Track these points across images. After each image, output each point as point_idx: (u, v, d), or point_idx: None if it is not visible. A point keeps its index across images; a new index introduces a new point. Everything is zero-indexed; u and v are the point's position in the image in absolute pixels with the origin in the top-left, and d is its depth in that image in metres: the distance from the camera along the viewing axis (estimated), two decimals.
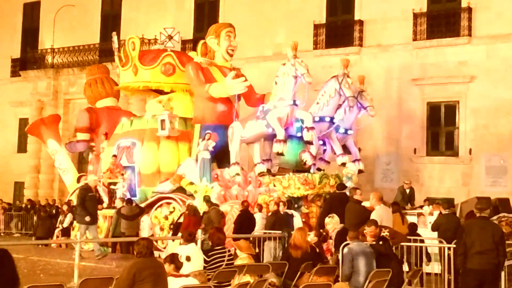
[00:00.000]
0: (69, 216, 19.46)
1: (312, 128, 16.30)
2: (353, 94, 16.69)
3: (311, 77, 16.14)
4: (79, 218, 16.34)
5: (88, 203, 16.08)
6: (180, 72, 19.29)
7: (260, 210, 15.83)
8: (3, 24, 33.13)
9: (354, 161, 17.50)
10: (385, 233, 10.87)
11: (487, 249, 8.78)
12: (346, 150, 17.70)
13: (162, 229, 17.62)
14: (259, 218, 15.26)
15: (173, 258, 8.14)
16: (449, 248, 11.32)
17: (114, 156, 19.13)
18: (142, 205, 18.43)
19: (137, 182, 18.91)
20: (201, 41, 19.80)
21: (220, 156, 18.25)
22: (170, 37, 20.10)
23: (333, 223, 11.89)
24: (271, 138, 17.15)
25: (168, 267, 7.89)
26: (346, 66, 17.07)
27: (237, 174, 17.48)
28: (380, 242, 10.22)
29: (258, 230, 14.76)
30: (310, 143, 16.54)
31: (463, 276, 9.31)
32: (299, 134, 16.93)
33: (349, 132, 17.50)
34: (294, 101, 16.55)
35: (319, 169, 17.42)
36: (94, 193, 16.32)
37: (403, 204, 17.77)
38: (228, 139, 17.78)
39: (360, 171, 17.60)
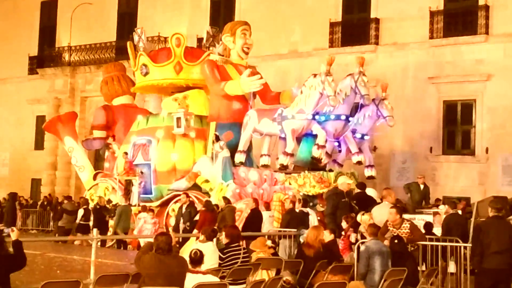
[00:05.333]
0: (80, 212, 19.60)
1: (323, 147, 16.37)
2: (368, 92, 16.63)
3: (337, 101, 16.07)
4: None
5: (341, 211, 13.75)
6: None
7: (267, 209, 15.86)
8: (20, 22, 33.38)
9: (367, 167, 17.40)
10: (406, 224, 10.89)
11: (504, 249, 8.76)
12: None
13: None
14: (266, 217, 15.33)
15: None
16: (465, 248, 11.27)
17: (125, 153, 19.22)
18: (158, 202, 18.54)
19: (152, 179, 18.99)
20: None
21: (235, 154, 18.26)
22: (213, 37, 20.24)
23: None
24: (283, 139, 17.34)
25: None
26: (361, 64, 17.01)
27: (241, 162, 17.54)
28: (396, 241, 10.23)
29: (266, 228, 14.81)
30: (317, 160, 16.52)
31: (478, 276, 9.28)
32: (314, 132, 16.91)
33: (365, 137, 17.42)
34: (314, 115, 16.51)
35: (331, 170, 17.42)
36: (346, 198, 14.08)
37: (415, 201, 17.76)
38: (242, 126, 17.86)
39: (371, 177, 17.49)
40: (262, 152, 17.86)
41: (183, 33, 20.05)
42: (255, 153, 19.22)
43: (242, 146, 17.80)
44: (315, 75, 16.42)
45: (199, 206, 16.84)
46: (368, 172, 17.32)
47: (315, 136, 16.96)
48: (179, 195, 17.94)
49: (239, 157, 17.70)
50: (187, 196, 17.00)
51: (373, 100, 16.93)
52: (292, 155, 16.75)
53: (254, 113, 17.81)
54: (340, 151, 17.78)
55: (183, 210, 16.62)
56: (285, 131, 16.87)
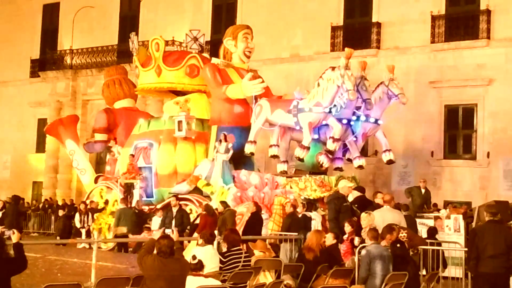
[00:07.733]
0: (77, 217, 19.74)
1: (338, 140, 16.16)
2: (370, 97, 16.60)
3: (356, 95, 15.75)
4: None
5: (344, 215, 13.36)
6: None
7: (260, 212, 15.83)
8: (22, 25, 33.45)
9: (384, 151, 17.20)
10: (403, 234, 10.85)
11: (499, 253, 8.80)
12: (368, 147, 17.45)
13: None
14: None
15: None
16: (466, 252, 11.26)
17: (132, 155, 19.23)
18: (159, 206, 18.53)
19: (154, 182, 19.00)
20: (222, 45, 19.79)
21: (237, 158, 18.26)
22: (195, 39, 20.25)
23: (368, 219, 11.80)
24: (294, 131, 17.25)
25: None
26: (363, 68, 16.97)
27: (251, 153, 17.48)
28: (398, 245, 10.21)
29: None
30: (331, 152, 16.42)
31: (474, 280, 9.31)
32: (315, 136, 16.88)
33: (379, 122, 17.13)
34: (330, 109, 16.30)
35: (338, 169, 17.35)
36: (348, 202, 13.72)
37: (416, 205, 17.71)
38: (253, 115, 17.64)
39: (390, 162, 17.31)
40: (271, 142, 17.48)
41: (161, 38, 20.14)
42: (257, 156, 19.22)
43: (253, 136, 17.47)
44: (333, 68, 16.11)
45: (187, 209, 16.94)
46: (386, 157, 17.03)
47: (317, 140, 16.95)
48: (180, 199, 17.95)
49: (249, 148, 17.38)
50: (177, 199, 17.05)
51: (382, 82, 16.79)
52: (308, 148, 16.46)
53: (266, 103, 17.44)
54: (346, 151, 17.62)
55: (174, 213, 16.66)
56: (301, 123, 16.54)
